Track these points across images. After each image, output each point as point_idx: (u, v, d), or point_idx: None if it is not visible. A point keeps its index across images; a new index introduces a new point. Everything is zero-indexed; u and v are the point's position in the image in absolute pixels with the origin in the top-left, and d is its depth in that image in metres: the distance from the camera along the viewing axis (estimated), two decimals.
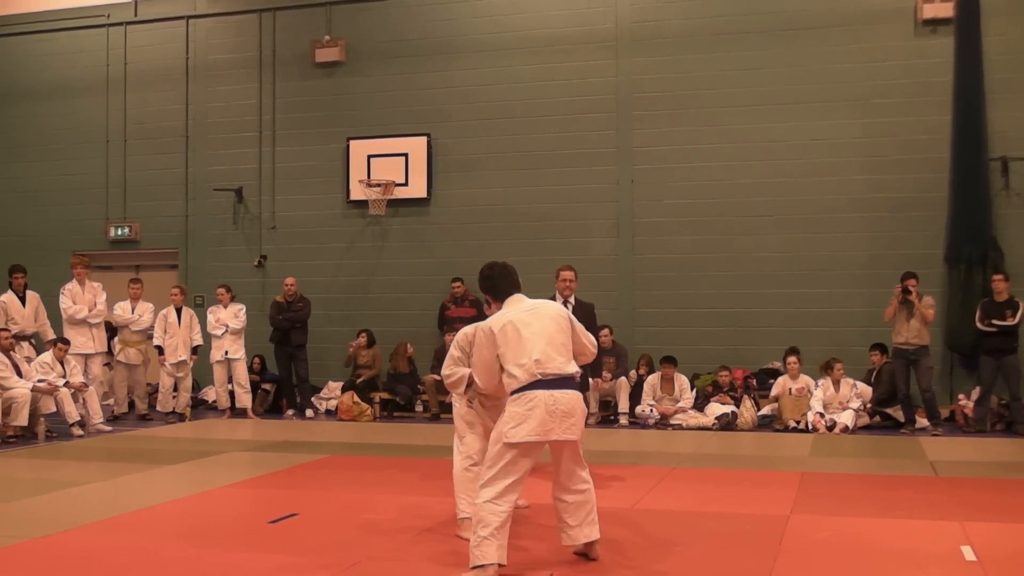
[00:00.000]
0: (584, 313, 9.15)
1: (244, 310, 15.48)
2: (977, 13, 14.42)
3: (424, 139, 16.67)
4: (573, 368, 6.27)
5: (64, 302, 14.57)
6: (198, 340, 15.33)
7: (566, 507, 6.31)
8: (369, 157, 16.84)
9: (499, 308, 6.56)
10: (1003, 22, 14.52)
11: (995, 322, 13.18)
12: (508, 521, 6.05)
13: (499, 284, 6.58)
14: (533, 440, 6.04)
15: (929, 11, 14.75)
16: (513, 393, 6.15)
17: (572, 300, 9.81)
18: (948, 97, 14.56)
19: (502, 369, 6.27)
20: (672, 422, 13.94)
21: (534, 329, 6.22)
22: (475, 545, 5.99)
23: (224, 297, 15.48)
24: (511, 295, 6.53)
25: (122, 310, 15.26)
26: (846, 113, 15.07)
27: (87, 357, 14.40)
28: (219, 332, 15.27)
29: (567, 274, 9.97)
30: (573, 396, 6.19)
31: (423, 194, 16.68)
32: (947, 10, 14.65)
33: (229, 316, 15.36)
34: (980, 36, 14.43)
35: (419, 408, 15.67)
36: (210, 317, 15.47)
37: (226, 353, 15.22)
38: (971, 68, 14.43)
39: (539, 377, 6.09)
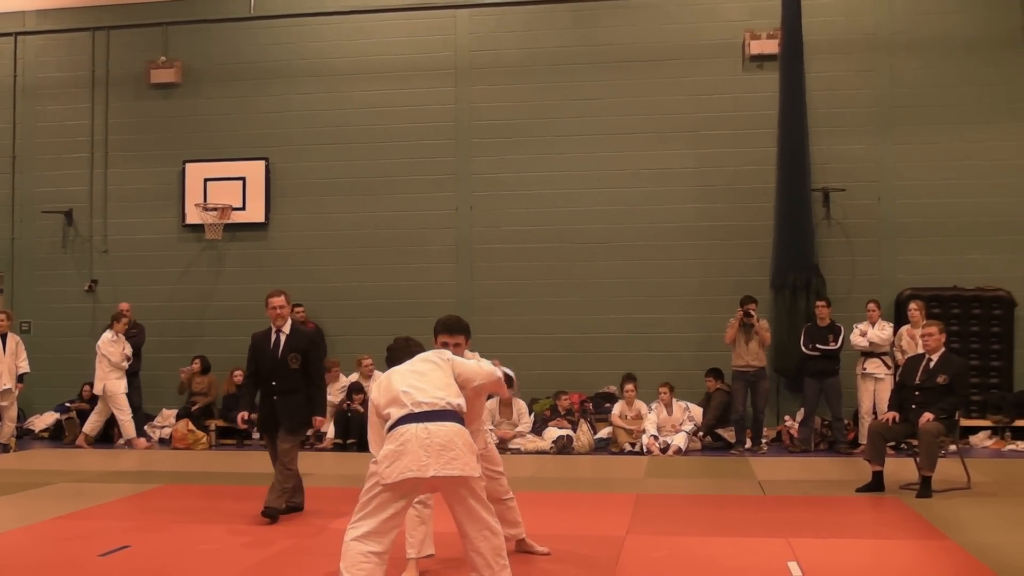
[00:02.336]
0: (301, 342, 9.12)
1: None
2: (800, 51, 15.03)
3: (262, 163, 16.50)
4: (452, 400, 5.82)
5: None
6: (24, 368, 14.75)
7: (476, 558, 5.83)
8: (206, 180, 16.58)
9: None
10: (824, 61, 15.22)
11: (818, 346, 13.75)
12: (378, 563, 5.65)
13: (395, 357, 6.22)
14: (408, 477, 5.57)
15: (756, 47, 15.35)
16: (387, 431, 5.75)
17: (286, 328, 9.12)
18: (774, 130, 15.15)
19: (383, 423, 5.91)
20: (510, 446, 14.07)
21: (406, 371, 5.97)
22: None
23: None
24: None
25: None
26: (678, 144, 15.54)
27: None
28: None
29: (277, 300, 9.16)
30: (450, 428, 5.68)
31: (261, 219, 16.50)
32: (773, 47, 15.27)
33: None
34: (803, 73, 15.05)
35: (256, 435, 15.42)
36: None
37: None
38: (795, 103, 15.04)
39: (410, 410, 5.70)
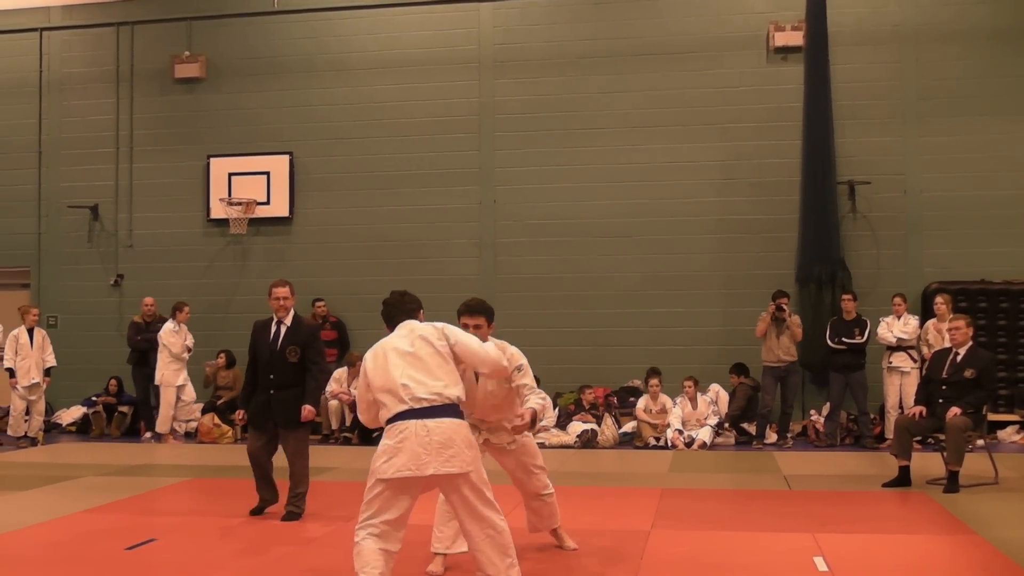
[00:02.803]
0: (301, 335, 8.85)
1: None
2: (825, 43, 14.96)
3: (286, 157, 16.53)
4: (452, 392, 5.71)
5: None
6: (51, 361, 14.86)
7: (480, 557, 5.74)
8: (230, 175, 16.63)
9: None
10: (849, 52, 15.12)
11: (844, 340, 13.67)
12: (384, 562, 5.59)
13: (390, 311, 6.12)
14: (406, 475, 5.50)
15: (781, 39, 15.26)
16: (386, 424, 5.66)
17: (288, 320, 8.87)
18: (798, 122, 15.08)
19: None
20: (535, 440, 14.02)
21: (404, 352, 5.78)
22: None
23: None
24: (400, 322, 6.06)
25: None
26: (702, 137, 15.48)
27: None
28: None
29: (280, 291, 8.92)
30: (450, 425, 5.59)
31: (285, 213, 16.54)
32: (797, 39, 15.19)
33: None
34: (828, 65, 14.98)
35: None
36: None
37: None
38: (820, 95, 14.97)
39: (410, 405, 5.59)
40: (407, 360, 5.76)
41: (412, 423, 5.56)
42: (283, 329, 8.87)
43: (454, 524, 6.56)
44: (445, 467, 5.52)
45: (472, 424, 6.59)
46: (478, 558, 5.74)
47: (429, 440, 5.51)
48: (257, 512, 8.85)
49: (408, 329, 5.96)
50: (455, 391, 5.75)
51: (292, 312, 8.98)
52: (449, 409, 5.67)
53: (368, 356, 5.94)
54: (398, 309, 6.12)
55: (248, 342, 9.06)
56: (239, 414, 9.25)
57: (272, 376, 8.78)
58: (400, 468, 5.51)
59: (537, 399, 6.61)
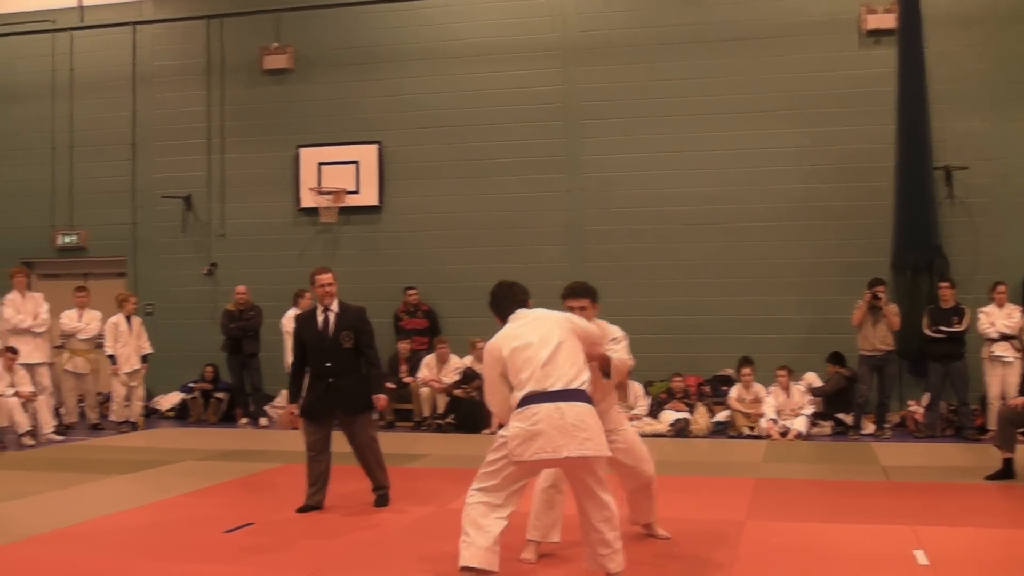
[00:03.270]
0: (352, 319, 8.69)
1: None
2: (919, 24, 14.62)
3: (375, 147, 16.64)
4: (581, 380, 5.80)
5: (6, 312, 14.33)
6: (147, 348, 15.17)
7: (593, 536, 5.86)
8: (319, 165, 16.78)
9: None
10: (944, 33, 14.75)
11: (943, 328, 13.38)
12: (497, 528, 5.73)
13: (500, 304, 6.22)
14: (542, 458, 5.63)
15: (872, 22, 14.95)
16: (517, 408, 5.74)
17: (334, 307, 8.72)
18: (891, 107, 14.76)
19: (510, 388, 5.89)
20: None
21: (534, 341, 5.84)
22: (462, 546, 5.76)
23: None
24: (513, 312, 6.15)
25: (68, 319, 15.06)
26: (791, 122, 15.23)
27: (33, 367, 14.15)
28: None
29: (324, 277, 8.77)
30: (582, 409, 5.69)
31: (374, 202, 16.65)
32: (890, 21, 14.86)
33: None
34: (922, 47, 14.63)
35: (374, 416, 15.56)
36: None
37: None
38: (914, 78, 14.64)
39: (543, 388, 5.68)
40: (543, 346, 5.81)
41: (545, 406, 5.63)
42: (331, 316, 8.70)
43: (552, 514, 6.66)
44: (580, 450, 5.59)
45: None
46: (591, 538, 5.84)
47: (564, 423, 5.59)
48: (306, 510, 8.56)
49: (531, 317, 6.03)
50: (584, 377, 5.82)
51: (336, 298, 8.83)
52: (579, 394, 5.74)
53: (495, 343, 5.97)
54: (509, 300, 6.19)
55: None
56: (290, 409, 8.87)
57: (329, 364, 8.59)
58: (537, 451, 5.59)
59: (617, 355, 6.59)
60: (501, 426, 5.97)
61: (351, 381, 8.65)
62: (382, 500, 8.71)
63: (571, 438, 5.57)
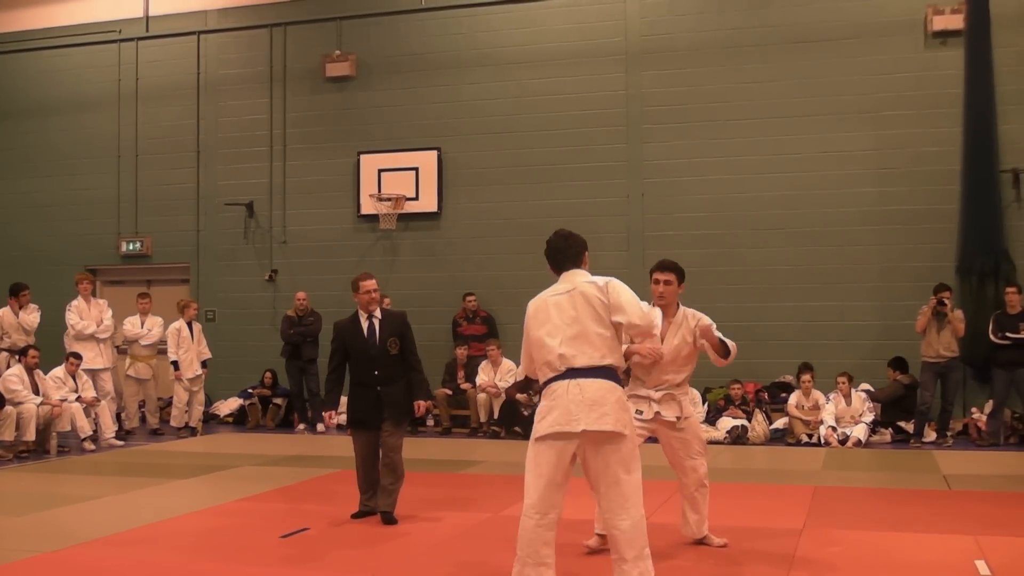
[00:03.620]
0: (396, 325, 8.57)
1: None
2: (987, 25, 14.38)
3: (434, 153, 16.70)
4: (608, 361, 5.61)
5: (71, 318, 14.54)
6: (207, 354, 15.35)
7: (617, 536, 5.57)
8: (379, 171, 16.86)
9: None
10: (1013, 34, 14.49)
11: (1009, 335, 13.13)
12: (544, 540, 5.53)
13: (556, 256, 5.97)
14: (557, 431, 5.46)
15: (939, 23, 14.72)
16: (543, 386, 5.67)
17: (378, 313, 8.61)
18: (958, 109, 14.51)
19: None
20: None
21: (565, 314, 5.66)
22: (514, 572, 5.58)
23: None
24: (567, 270, 5.92)
25: (131, 325, 15.26)
26: (856, 125, 15.05)
27: (96, 372, 14.36)
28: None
29: (370, 283, 8.59)
30: (603, 384, 5.53)
31: (434, 208, 16.70)
32: (957, 22, 14.62)
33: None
34: (990, 48, 14.38)
35: (431, 423, 15.64)
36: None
37: None
38: (981, 80, 14.39)
39: (565, 368, 5.55)
40: (569, 327, 5.65)
41: (566, 382, 5.55)
42: (376, 323, 8.59)
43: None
44: (597, 424, 5.46)
45: (643, 397, 6.92)
46: (613, 537, 5.60)
47: (582, 397, 5.48)
48: (362, 516, 8.55)
49: (572, 284, 5.80)
50: (612, 359, 5.67)
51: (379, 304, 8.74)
52: (605, 371, 5.60)
53: (531, 308, 5.85)
54: (563, 254, 5.96)
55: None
56: (330, 415, 8.80)
57: (377, 372, 8.45)
58: (552, 424, 5.51)
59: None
60: None
61: (398, 388, 8.56)
62: (389, 518, 8.37)
63: (588, 412, 5.45)
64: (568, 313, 5.67)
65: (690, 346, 7.16)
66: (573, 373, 5.55)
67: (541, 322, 5.73)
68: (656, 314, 6.43)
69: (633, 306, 5.70)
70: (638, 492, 5.59)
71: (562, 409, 5.49)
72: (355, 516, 8.55)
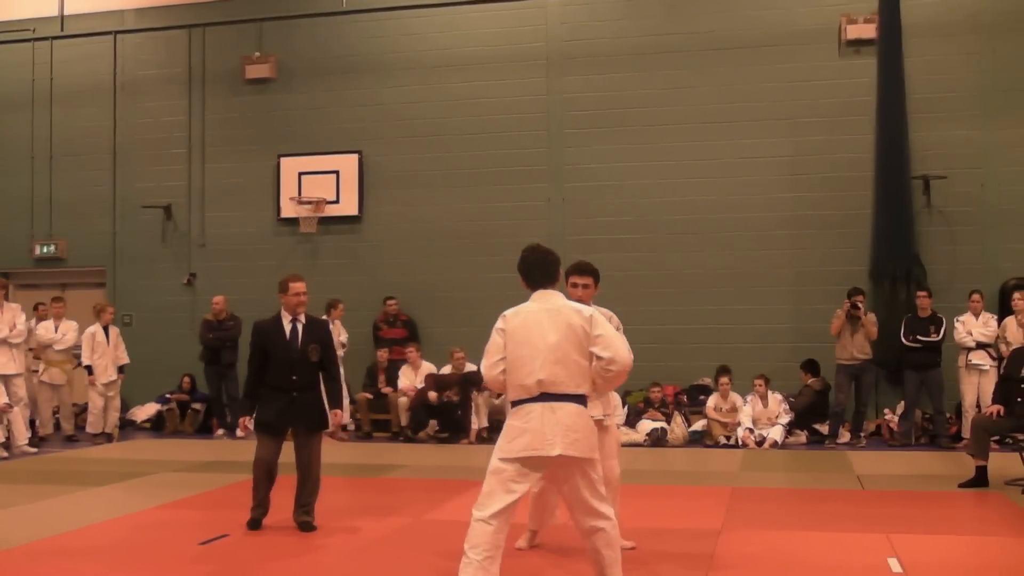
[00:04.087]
0: (319, 332, 8.39)
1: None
2: (899, 35, 14.71)
3: (355, 156, 16.63)
4: (583, 390, 5.66)
5: None
6: (124, 359, 15.10)
7: (597, 544, 5.70)
8: (300, 174, 16.76)
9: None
10: (924, 44, 14.84)
11: (919, 338, 13.43)
12: (498, 543, 5.54)
13: (531, 271, 5.86)
14: (530, 455, 5.50)
15: (853, 32, 15.02)
16: (512, 405, 5.68)
17: (302, 318, 8.35)
18: (872, 117, 14.83)
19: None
20: None
21: (548, 339, 5.61)
22: (462, 568, 5.52)
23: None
24: (543, 288, 5.83)
25: (44, 329, 14.97)
26: (773, 131, 15.29)
27: (8, 378, 14.01)
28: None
29: (299, 286, 8.36)
30: (574, 409, 5.57)
31: (355, 212, 16.63)
32: (870, 31, 14.94)
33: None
34: (902, 57, 14.72)
35: (352, 427, 15.57)
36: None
37: None
38: (893, 88, 14.72)
39: (539, 392, 5.56)
40: (551, 352, 5.61)
41: (538, 405, 5.56)
42: (300, 327, 8.32)
43: (548, 509, 6.76)
44: (571, 449, 5.50)
45: None
46: (589, 552, 5.72)
47: (556, 421, 5.51)
48: (256, 526, 8.23)
49: (555, 307, 5.75)
50: (585, 388, 5.70)
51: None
52: (576, 397, 5.64)
53: (513, 322, 5.74)
54: (541, 272, 5.87)
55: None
56: (244, 421, 8.41)
57: (295, 377, 8.19)
58: (526, 447, 5.51)
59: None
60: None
61: (314, 396, 8.31)
62: (307, 526, 8.18)
63: (562, 436, 5.49)
64: (551, 338, 5.63)
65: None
66: (547, 397, 5.57)
67: (521, 341, 5.67)
68: (627, 349, 6.04)
69: (618, 341, 5.74)
70: (608, 504, 5.74)
71: (535, 432, 5.51)
72: (252, 526, 8.22)
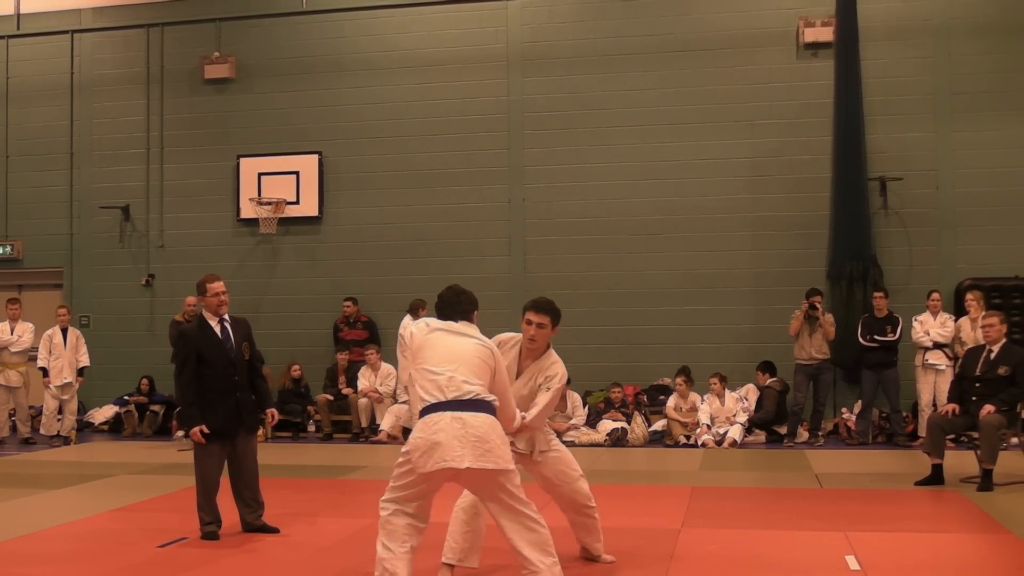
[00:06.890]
0: (245, 330, 8.22)
1: None
2: (856, 38, 14.85)
3: (315, 157, 16.57)
4: (489, 396, 5.68)
5: None
6: (84, 361, 14.98)
7: (522, 551, 5.64)
8: (260, 175, 16.68)
9: None
10: (880, 47, 15.00)
11: (876, 337, 13.57)
12: (413, 536, 5.66)
13: (444, 311, 6.00)
14: (442, 467, 5.46)
15: (811, 35, 15.15)
16: (420, 415, 5.62)
17: (227, 317, 8.17)
18: (829, 119, 14.97)
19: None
20: (565, 439, 14.01)
21: (453, 341, 5.77)
22: (378, 559, 5.67)
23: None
24: (456, 321, 5.96)
25: (0, 331, 14.82)
26: (732, 133, 15.40)
27: None
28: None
29: (218, 285, 8.14)
30: (485, 420, 5.53)
31: (314, 212, 16.58)
32: (827, 35, 15.08)
33: None
34: (859, 60, 14.86)
35: (311, 428, 15.52)
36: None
37: None
38: (850, 91, 14.85)
39: (447, 397, 5.55)
40: (454, 350, 5.72)
41: (447, 416, 5.51)
42: (227, 326, 8.13)
43: (470, 536, 6.31)
44: (480, 462, 5.46)
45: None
46: (519, 557, 5.67)
47: (465, 433, 5.46)
48: (213, 536, 7.92)
49: (465, 331, 5.89)
50: (492, 396, 5.72)
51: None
52: (485, 405, 5.62)
53: (415, 328, 5.91)
54: (453, 309, 6.01)
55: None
56: (197, 430, 7.87)
57: (237, 378, 8.02)
58: (438, 461, 5.46)
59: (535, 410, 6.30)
60: None
61: (250, 396, 8.18)
62: (266, 527, 8.09)
63: (472, 449, 5.44)
64: (455, 341, 5.78)
65: (532, 388, 6.47)
66: (453, 405, 5.54)
67: (429, 341, 5.79)
68: (513, 404, 6.11)
69: (505, 386, 5.92)
70: (532, 508, 5.68)
71: (446, 447, 5.46)
72: (211, 537, 7.91)
